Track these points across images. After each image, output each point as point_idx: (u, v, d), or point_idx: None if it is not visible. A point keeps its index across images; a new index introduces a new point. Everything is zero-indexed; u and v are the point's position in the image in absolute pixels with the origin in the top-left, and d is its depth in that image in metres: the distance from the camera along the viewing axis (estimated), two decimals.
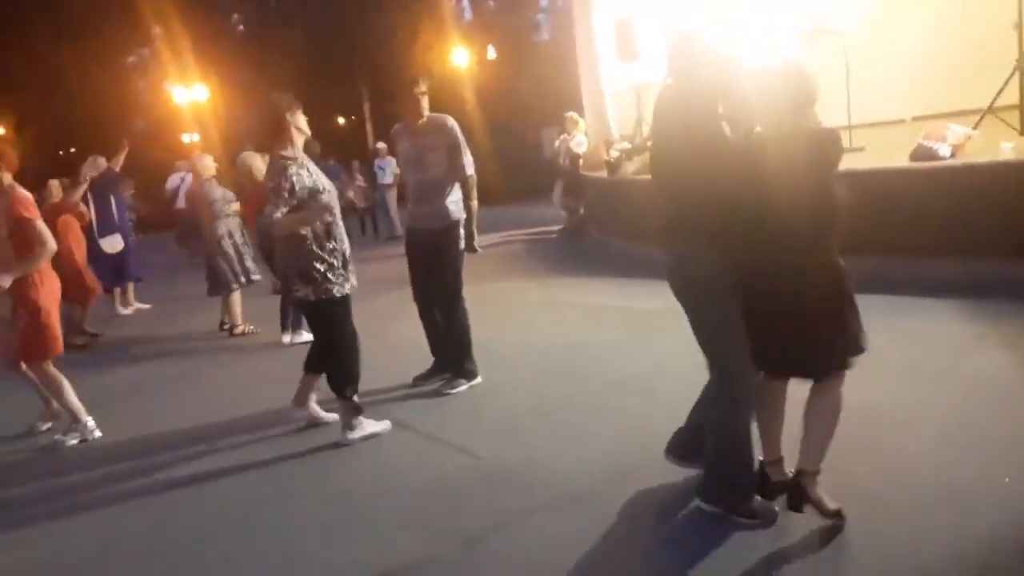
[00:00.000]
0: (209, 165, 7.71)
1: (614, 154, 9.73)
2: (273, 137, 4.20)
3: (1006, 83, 6.25)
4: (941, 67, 8.47)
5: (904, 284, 5.40)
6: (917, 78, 8.71)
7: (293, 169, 4.06)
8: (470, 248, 4.92)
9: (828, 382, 2.84)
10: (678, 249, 2.98)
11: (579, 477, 3.55)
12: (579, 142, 11.35)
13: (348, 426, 4.34)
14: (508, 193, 18.63)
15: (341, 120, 32.46)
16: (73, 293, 7.59)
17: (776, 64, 2.87)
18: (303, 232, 4.11)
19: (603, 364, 5.15)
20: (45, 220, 4.82)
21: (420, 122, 4.81)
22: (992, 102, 6.39)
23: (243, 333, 7.47)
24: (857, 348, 2.79)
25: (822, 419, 2.87)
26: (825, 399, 2.86)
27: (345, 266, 4.27)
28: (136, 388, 6.22)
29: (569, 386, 4.81)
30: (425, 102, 4.75)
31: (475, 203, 4.88)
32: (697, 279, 2.91)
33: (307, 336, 5.87)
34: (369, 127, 27.32)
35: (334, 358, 4.35)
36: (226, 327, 7.62)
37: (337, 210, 4.26)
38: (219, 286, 7.47)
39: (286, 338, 6.76)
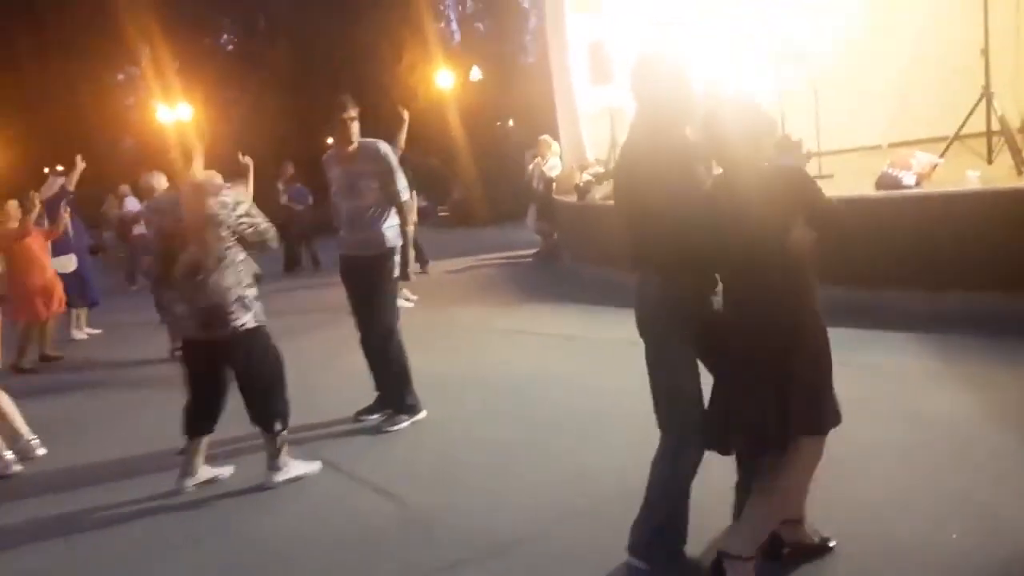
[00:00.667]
0: (162, 186, 7.27)
1: (585, 178, 9.57)
2: (184, 163, 4.13)
3: (972, 110, 6.09)
4: (918, 93, 8.37)
5: (865, 316, 5.20)
6: (893, 104, 8.60)
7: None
8: (404, 276, 4.72)
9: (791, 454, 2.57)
10: (639, 277, 2.86)
11: (508, 527, 3.32)
12: (552, 165, 11.18)
13: (274, 467, 4.09)
14: (491, 216, 18.47)
15: (330, 141, 32.33)
16: (23, 315, 7.42)
17: (730, 98, 2.72)
18: (240, 258, 4.01)
19: (555, 400, 4.90)
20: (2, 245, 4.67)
21: (351, 148, 4.63)
22: (959, 129, 6.24)
23: None
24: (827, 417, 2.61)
25: (775, 480, 2.58)
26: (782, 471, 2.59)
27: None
28: (75, 417, 5.97)
29: (516, 424, 4.59)
30: (355, 127, 4.58)
31: (411, 228, 4.69)
32: (650, 309, 2.77)
33: None
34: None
35: (264, 387, 4.06)
36: (178, 353, 7.36)
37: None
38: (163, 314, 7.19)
39: None
